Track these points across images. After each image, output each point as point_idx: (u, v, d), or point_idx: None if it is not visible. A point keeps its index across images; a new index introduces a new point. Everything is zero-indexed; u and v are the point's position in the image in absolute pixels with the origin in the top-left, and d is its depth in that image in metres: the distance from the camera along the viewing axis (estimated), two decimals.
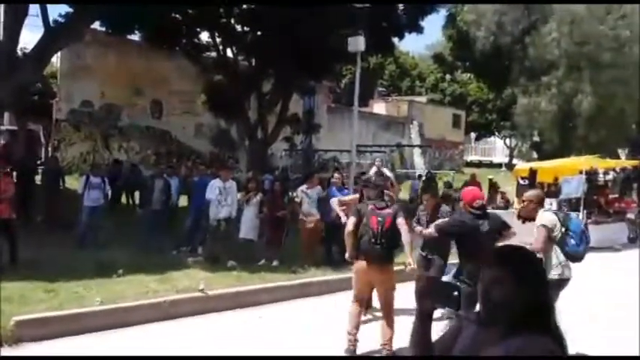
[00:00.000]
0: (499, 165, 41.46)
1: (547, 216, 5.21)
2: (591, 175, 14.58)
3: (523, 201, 5.71)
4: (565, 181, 14.90)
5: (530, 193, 5.73)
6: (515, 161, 38.33)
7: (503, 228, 5.45)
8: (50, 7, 13.38)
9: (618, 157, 27.74)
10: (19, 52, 14.57)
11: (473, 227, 5.17)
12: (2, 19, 12.72)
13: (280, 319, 6.83)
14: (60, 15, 13.65)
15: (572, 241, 5.19)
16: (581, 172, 14.44)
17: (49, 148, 21.09)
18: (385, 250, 5.28)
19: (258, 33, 17.35)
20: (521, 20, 30.20)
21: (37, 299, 6.23)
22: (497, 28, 31.04)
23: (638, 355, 5.88)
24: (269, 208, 9.74)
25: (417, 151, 33.15)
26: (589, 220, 14.26)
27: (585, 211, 14.10)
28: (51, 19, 13.35)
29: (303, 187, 9.94)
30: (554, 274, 5.07)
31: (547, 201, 16.03)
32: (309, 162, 25.27)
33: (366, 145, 25.92)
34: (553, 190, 16.18)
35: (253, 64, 18.21)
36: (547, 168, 16.83)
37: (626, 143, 32.15)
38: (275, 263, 9.23)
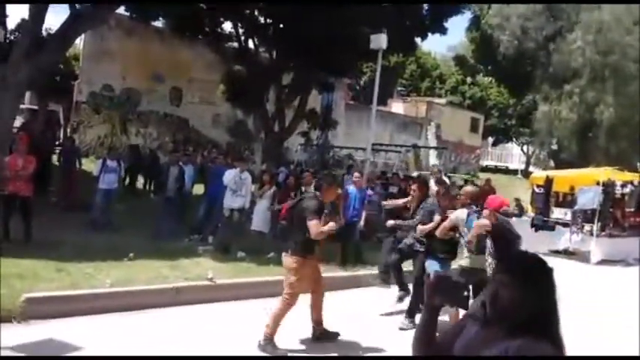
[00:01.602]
0: (515, 171, 41.15)
1: (458, 213, 6.05)
2: (608, 187, 14.38)
3: (460, 195, 6.63)
4: (581, 191, 14.71)
5: (466, 189, 6.72)
6: (531, 168, 38.01)
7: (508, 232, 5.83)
8: None
9: (637, 171, 27.37)
10: (44, 33, 14.73)
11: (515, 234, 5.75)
12: None
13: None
14: None
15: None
16: (598, 184, 14.25)
17: (68, 129, 21.30)
18: None
19: (281, 26, 17.33)
20: (546, 27, 29.87)
21: (48, 278, 6.31)
22: (521, 33, 30.72)
23: (638, 355, 5.85)
24: (281, 202, 9.76)
25: (433, 153, 32.99)
26: (603, 233, 14.11)
27: (599, 224, 13.93)
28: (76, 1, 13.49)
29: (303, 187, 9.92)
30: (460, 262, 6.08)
31: (561, 211, 15.94)
32: (323, 158, 25.27)
33: (382, 144, 25.85)
34: (568, 200, 16.01)
35: (274, 56, 18.22)
36: (564, 177, 16.63)
37: None
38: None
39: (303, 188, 9.79)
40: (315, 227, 5.26)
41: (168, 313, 6.30)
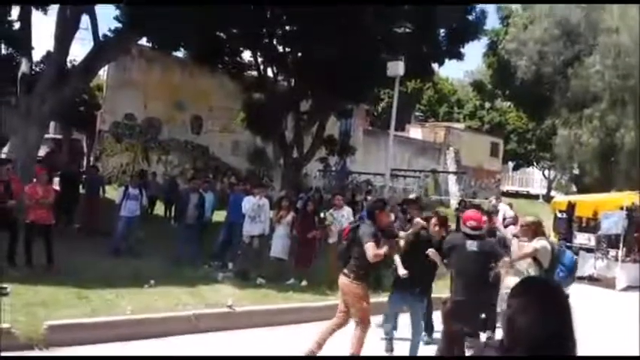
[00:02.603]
0: (536, 196, 40.69)
1: (542, 242, 6.02)
2: (632, 211, 14.15)
3: (521, 225, 6.70)
4: (605, 216, 14.49)
5: (528, 219, 6.60)
6: (553, 193, 37.55)
7: (493, 253, 5.62)
8: (100, 22, 13.92)
9: None
10: (69, 64, 15.15)
11: (457, 244, 5.49)
12: (55, 32, 13.25)
13: (304, 339, 6.78)
14: (109, 30, 14.15)
15: (562, 274, 6.38)
16: (622, 208, 14.04)
17: (91, 158, 21.67)
18: None
19: (299, 54, 17.59)
20: (563, 51, 29.79)
21: (69, 304, 6.37)
22: (539, 57, 30.66)
23: (638, 355, 5.72)
24: (300, 228, 9.76)
25: (452, 178, 32.79)
26: (628, 258, 13.84)
27: (624, 249, 13.68)
28: (100, 33, 13.88)
29: (332, 210, 9.93)
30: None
31: (585, 236, 15.69)
32: (342, 183, 25.30)
33: (400, 169, 25.81)
34: (592, 225, 15.76)
35: (292, 84, 18.44)
36: (586, 202, 16.41)
37: None
38: (304, 283, 9.22)
39: (332, 211, 9.80)
40: (373, 249, 5.40)
41: (188, 340, 6.30)
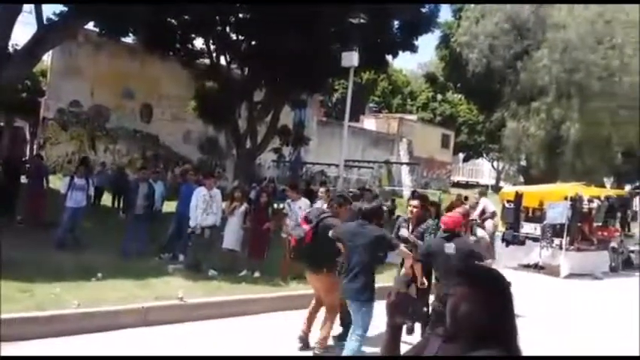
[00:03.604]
0: (486, 187, 41.71)
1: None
2: (576, 202, 14.64)
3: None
4: (550, 206, 14.95)
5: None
6: (501, 184, 38.58)
7: (471, 254, 5.45)
8: (45, 5, 13.35)
9: (603, 186, 28.01)
10: (10, 48, 14.47)
11: (437, 249, 5.48)
12: None
13: (258, 331, 6.74)
14: (54, 13, 13.59)
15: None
16: (566, 199, 14.51)
17: (34, 147, 20.86)
18: None
19: (253, 42, 17.35)
20: (513, 45, 30.54)
21: (12, 299, 6.10)
22: (490, 51, 31.33)
23: (638, 355, 5.91)
24: (254, 219, 9.66)
25: (405, 169, 33.24)
26: (571, 247, 14.33)
27: (568, 238, 14.16)
28: (45, 16, 13.30)
29: (289, 200, 9.86)
30: None
31: (531, 226, 16.16)
32: (296, 174, 25.25)
33: (354, 160, 25.97)
34: (538, 215, 16.24)
35: (246, 73, 18.20)
36: (533, 192, 16.89)
37: (611, 172, 32.50)
38: (257, 275, 9.15)
39: (289, 201, 9.70)
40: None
41: (138, 333, 6.15)
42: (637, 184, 32.46)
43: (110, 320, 6.19)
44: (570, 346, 6.99)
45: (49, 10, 18.59)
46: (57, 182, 13.49)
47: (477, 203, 11.87)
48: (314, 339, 6.01)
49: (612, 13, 26.94)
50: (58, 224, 10.29)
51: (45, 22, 13.27)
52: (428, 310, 5.75)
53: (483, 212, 11.56)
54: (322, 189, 10.54)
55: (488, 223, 10.83)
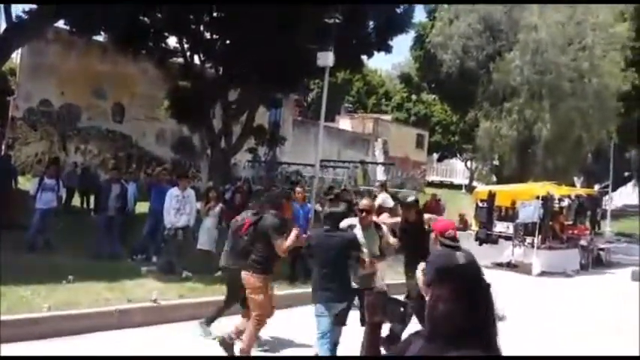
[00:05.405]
0: (459, 187, 42.16)
1: None
2: (547, 201, 14.89)
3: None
4: (522, 205, 15.18)
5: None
6: (475, 183, 39.01)
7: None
8: (13, 2, 13.04)
9: (574, 185, 28.53)
10: None
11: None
12: None
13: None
14: (23, 11, 13.29)
15: None
16: (537, 198, 14.74)
17: (3, 147, 20.39)
18: None
19: (227, 41, 17.21)
20: (486, 46, 30.89)
21: None
22: (463, 52, 31.63)
23: (638, 355, 5.99)
24: (229, 220, 9.57)
25: (380, 169, 33.38)
26: (543, 245, 14.56)
27: (539, 237, 14.39)
28: (14, 14, 13.01)
29: None
30: None
31: (504, 225, 16.39)
32: (271, 174, 25.14)
33: (330, 160, 25.96)
34: (510, 214, 16.47)
35: (220, 72, 18.04)
36: (505, 192, 17.12)
37: (581, 171, 33.10)
38: None
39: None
40: (282, 245, 5.33)
41: (111, 336, 6.05)
42: (606, 183, 33.10)
43: (82, 323, 6.09)
44: (545, 343, 7.10)
45: (19, 8, 18.19)
46: (26, 183, 13.20)
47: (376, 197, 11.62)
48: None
49: (582, 15, 27.42)
50: (28, 226, 10.07)
51: (14, 19, 12.99)
52: (405, 310, 5.76)
53: (380, 207, 11.28)
54: (298, 189, 10.51)
55: (384, 217, 10.59)
